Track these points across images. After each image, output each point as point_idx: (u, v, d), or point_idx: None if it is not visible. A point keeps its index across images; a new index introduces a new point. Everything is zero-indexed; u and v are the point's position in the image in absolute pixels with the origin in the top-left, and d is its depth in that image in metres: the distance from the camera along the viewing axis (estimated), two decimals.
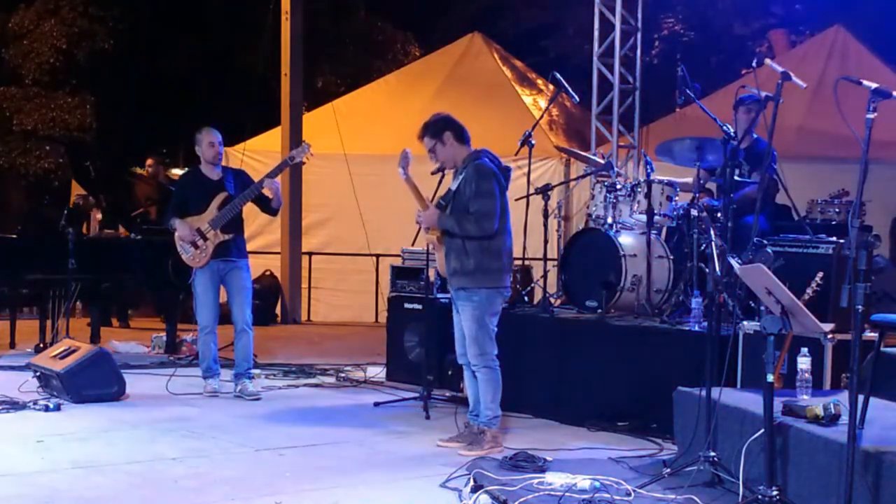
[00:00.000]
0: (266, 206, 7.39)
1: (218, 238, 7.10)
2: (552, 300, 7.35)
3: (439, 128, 5.74)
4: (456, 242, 5.63)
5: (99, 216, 11.07)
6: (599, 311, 6.85)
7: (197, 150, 7.29)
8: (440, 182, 6.17)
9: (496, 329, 5.72)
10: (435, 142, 5.72)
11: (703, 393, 4.85)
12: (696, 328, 6.14)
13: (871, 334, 4.91)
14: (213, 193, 7.16)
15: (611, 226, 7.06)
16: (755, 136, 7.16)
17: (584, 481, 4.50)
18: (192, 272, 7.20)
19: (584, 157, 8.27)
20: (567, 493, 4.40)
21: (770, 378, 4.10)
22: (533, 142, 7.57)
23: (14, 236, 9.50)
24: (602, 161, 7.78)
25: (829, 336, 4.71)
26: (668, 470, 4.89)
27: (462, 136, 5.74)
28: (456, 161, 5.75)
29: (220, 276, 7.19)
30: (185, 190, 7.36)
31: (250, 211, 7.63)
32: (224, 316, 7.37)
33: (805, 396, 4.75)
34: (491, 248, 5.59)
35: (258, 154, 12.17)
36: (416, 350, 7.84)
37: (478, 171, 5.58)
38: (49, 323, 8.90)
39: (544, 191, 7.50)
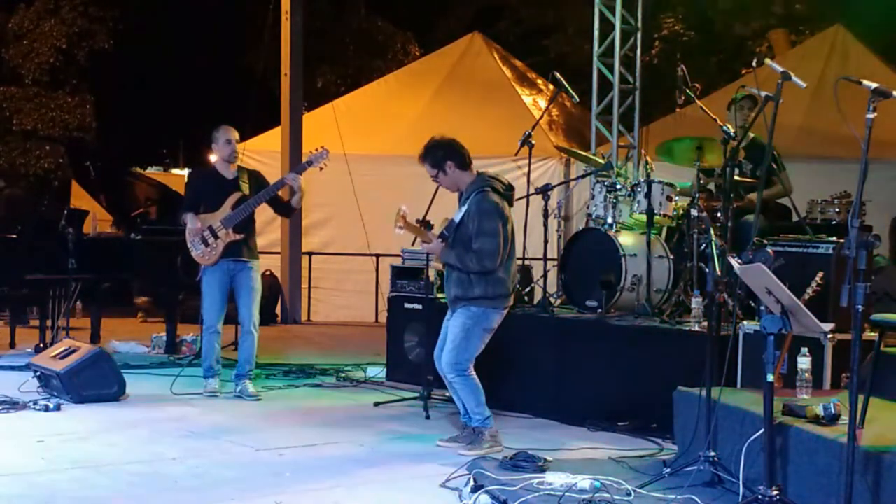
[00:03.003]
0: (281, 207, 7.41)
1: (229, 237, 7.07)
2: (552, 300, 7.35)
3: (440, 158, 5.69)
4: (458, 271, 5.63)
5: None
6: (599, 311, 6.85)
7: (213, 148, 7.26)
8: (436, 189, 6.16)
9: (482, 347, 5.70)
10: (437, 171, 5.71)
11: (703, 393, 4.85)
12: (696, 328, 6.14)
13: (871, 334, 4.92)
14: (228, 192, 7.13)
15: (611, 226, 7.06)
16: (751, 134, 7.16)
17: (584, 481, 4.50)
18: (201, 270, 7.19)
19: (584, 157, 8.27)
20: (567, 493, 4.40)
21: (770, 378, 4.10)
22: (533, 142, 7.57)
23: (14, 236, 9.50)
24: (602, 161, 7.78)
25: (829, 336, 4.70)
26: (668, 470, 4.89)
27: (463, 162, 5.70)
28: (459, 186, 5.74)
29: (230, 277, 7.15)
30: (200, 187, 7.31)
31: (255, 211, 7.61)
32: (227, 316, 7.35)
33: (805, 396, 4.75)
34: (494, 278, 5.59)
35: (258, 154, 12.17)
36: (416, 350, 7.84)
37: (480, 209, 5.55)
38: (49, 323, 8.90)
39: (544, 191, 7.50)
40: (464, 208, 5.64)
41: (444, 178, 5.73)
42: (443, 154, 5.70)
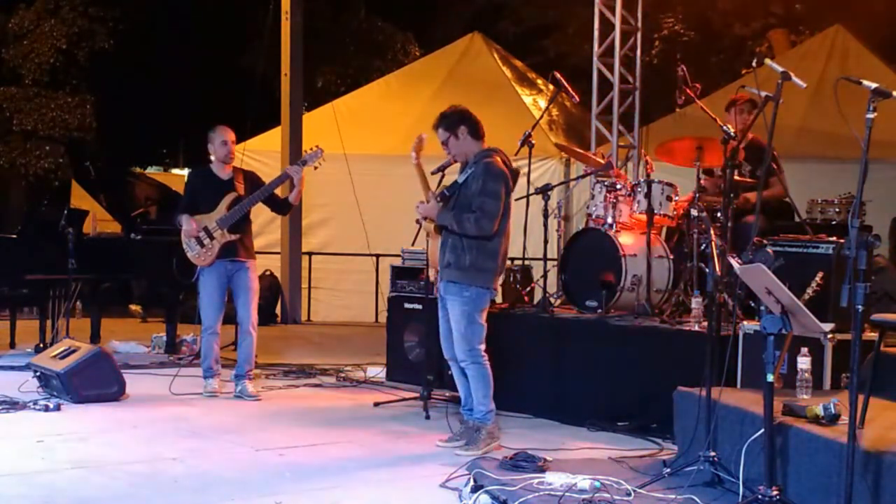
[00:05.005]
0: (278, 204, 7.43)
1: (225, 238, 7.08)
2: (552, 300, 7.35)
3: (454, 121, 5.72)
4: (453, 237, 5.63)
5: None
6: (599, 311, 6.85)
7: (209, 148, 7.27)
8: (440, 182, 6.17)
9: (485, 325, 5.71)
10: (449, 135, 5.73)
11: (703, 393, 4.85)
12: (696, 328, 6.13)
13: (871, 334, 4.92)
14: (223, 193, 7.14)
15: (611, 226, 7.06)
16: (750, 135, 7.14)
17: (584, 481, 4.50)
18: (197, 271, 7.19)
19: (584, 156, 8.26)
20: (567, 493, 4.40)
21: (770, 378, 4.10)
22: (533, 142, 7.56)
23: (14, 236, 9.50)
24: (602, 161, 7.78)
25: (829, 336, 4.70)
26: (668, 470, 4.89)
27: (477, 131, 5.74)
28: (468, 155, 5.74)
29: (227, 277, 7.16)
30: (195, 188, 7.32)
31: (251, 211, 7.60)
32: (227, 316, 7.34)
33: (805, 396, 4.75)
34: (487, 248, 5.59)
35: (258, 154, 12.17)
36: (416, 350, 7.84)
37: (487, 170, 5.57)
38: (49, 323, 8.90)
39: (544, 191, 7.50)
40: (469, 170, 5.65)
41: (455, 145, 5.73)
42: (457, 118, 5.73)
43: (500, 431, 5.76)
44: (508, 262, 6.53)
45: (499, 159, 5.66)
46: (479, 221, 5.51)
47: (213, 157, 7.29)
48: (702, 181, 6.96)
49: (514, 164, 5.89)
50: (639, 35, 11.58)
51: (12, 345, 9.13)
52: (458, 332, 5.65)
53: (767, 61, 5.15)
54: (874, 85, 3.83)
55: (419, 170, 5.79)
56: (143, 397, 7.05)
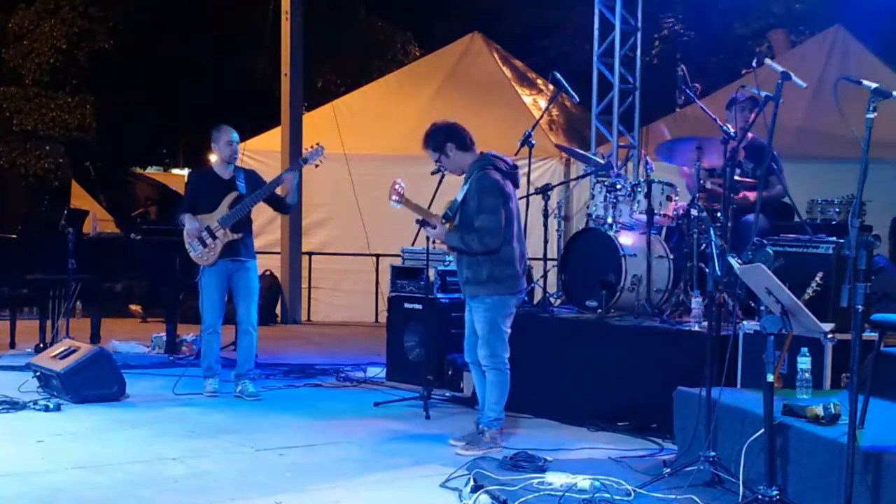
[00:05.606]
0: (278, 204, 7.43)
1: (227, 237, 7.08)
2: (552, 300, 7.35)
3: (440, 141, 5.72)
4: (468, 254, 5.64)
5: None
6: (599, 311, 6.85)
7: (213, 148, 7.26)
8: (441, 181, 6.17)
9: (509, 331, 5.73)
10: (439, 154, 5.73)
11: (703, 393, 4.85)
12: (696, 328, 6.14)
13: (871, 334, 4.91)
14: (225, 192, 7.13)
15: (611, 226, 7.06)
16: (750, 134, 7.14)
17: (584, 481, 4.50)
18: (200, 270, 7.19)
19: (584, 156, 8.26)
20: (567, 493, 4.40)
21: (770, 378, 4.10)
22: (533, 142, 7.56)
23: (14, 236, 9.50)
24: (602, 161, 7.78)
25: (829, 336, 4.70)
26: (668, 470, 4.89)
27: (464, 143, 5.72)
28: (463, 167, 5.75)
29: (228, 276, 7.16)
30: (197, 188, 7.33)
31: (251, 210, 7.60)
32: (227, 315, 7.34)
33: (805, 396, 4.76)
34: (500, 258, 5.60)
35: (258, 154, 12.18)
36: (416, 350, 7.84)
37: (480, 185, 5.57)
38: (49, 323, 8.90)
39: (544, 191, 7.50)
40: (465, 187, 5.65)
41: (447, 162, 5.74)
42: (443, 136, 5.73)
43: (502, 439, 5.76)
44: None
45: (492, 169, 5.64)
46: (483, 240, 5.53)
47: (215, 157, 7.29)
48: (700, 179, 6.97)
49: (515, 163, 5.87)
50: (639, 35, 11.58)
51: (12, 345, 9.13)
52: (482, 336, 5.69)
53: (767, 61, 5.15)
54: (874, 85, 3.83)
55: (409, 206, 5.77)
56: (143, 397, 7.05)
